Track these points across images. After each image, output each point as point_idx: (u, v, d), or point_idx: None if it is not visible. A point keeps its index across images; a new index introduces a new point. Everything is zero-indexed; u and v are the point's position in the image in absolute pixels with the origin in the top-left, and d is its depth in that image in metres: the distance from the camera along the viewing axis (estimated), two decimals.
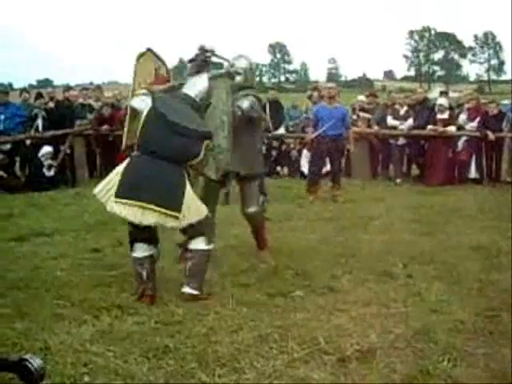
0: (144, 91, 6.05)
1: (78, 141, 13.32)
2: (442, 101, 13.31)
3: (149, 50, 6.81)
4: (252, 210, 7.04)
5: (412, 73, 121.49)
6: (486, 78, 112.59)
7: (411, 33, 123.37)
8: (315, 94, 14.84)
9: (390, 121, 13.65)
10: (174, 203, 5.40)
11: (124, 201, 5.37)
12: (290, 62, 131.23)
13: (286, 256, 7.03)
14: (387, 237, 7.73)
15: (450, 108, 13.25)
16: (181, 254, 6.60)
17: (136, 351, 4.54)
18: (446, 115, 12.85)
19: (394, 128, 13.58)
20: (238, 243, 7.66)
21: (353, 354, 4.47)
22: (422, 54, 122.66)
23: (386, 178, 13.40)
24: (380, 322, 5.07)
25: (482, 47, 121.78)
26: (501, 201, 10.84)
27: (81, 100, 14.36)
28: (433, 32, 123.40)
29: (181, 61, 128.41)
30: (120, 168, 5.57)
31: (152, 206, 5.33)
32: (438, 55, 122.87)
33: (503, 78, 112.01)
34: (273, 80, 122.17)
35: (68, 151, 13.15)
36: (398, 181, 13.21)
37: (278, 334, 4.80)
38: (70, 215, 9.47)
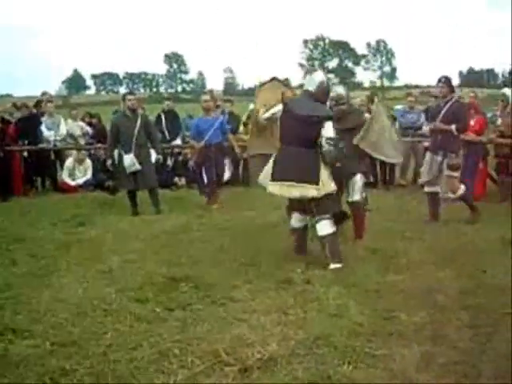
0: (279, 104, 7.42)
1: None
2: None
3: (274, 78, 8.43)
4: (356, 198, 8.23)
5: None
6: (379, 85, 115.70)
7: (306, 41, 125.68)
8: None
9: None
10: (312, 178, 6.88)
11: (276, 183, 7.05)
12: (186, 72, 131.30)
13: (186, 267, 6.95)
14: (287, 244, 7.77)
15: None
16: None
17: (32, 376, 4.40)
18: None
19: None
20: (136, 258, 7.53)
21: (254, 364, 4.46)
22: (317, 63, 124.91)
23: None
24: (280, 330, 5.08)
25: (374, 55, 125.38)
26: (396, 203, 11.12)
27: None
28: (327, 40, 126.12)
29: (75, 71, 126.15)
30: (271, 159, 7.19)
31: (294, 183, 6.90)
32: (333, 63, 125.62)
33: (396, 84, 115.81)
34: (170, 90, 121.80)
35: None
36: None
37: (178, 348, 4.75)
38: None
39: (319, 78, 7.31)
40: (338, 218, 7.23)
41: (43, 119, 13.97)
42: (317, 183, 6.88)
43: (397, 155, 8.72)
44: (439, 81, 9.52)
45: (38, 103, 15.09)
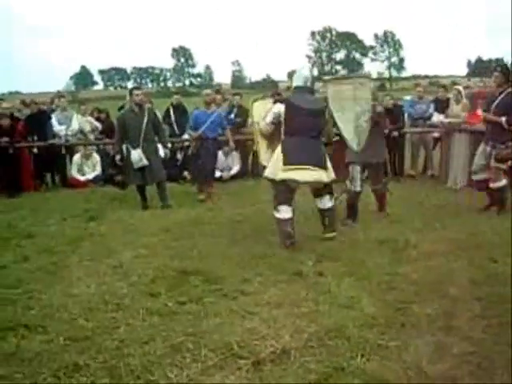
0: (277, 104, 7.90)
1: None
2: None
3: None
4: (377, 187, 9.27)
5: (315, 72, 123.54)
6: (387, 76, 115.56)
7: (313, 33, 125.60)
8: (219, 96, 14.85)
9: None
10: (322, 164, 7.59)
11: (290, 167, 7.45)
12: (193, 66, 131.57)
13: (197, 261, 6.97)
14: (296, 236, 7.75)
15: None
16: None
17: (45, 371, 4.41)
18: None
19: None
20: (147, 252, 7.53)
21: (267, 357, 4.48)
22: (324, 54, 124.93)
23: None
24: (293, 322, 5.09)
25: (382, 46, 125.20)
26: (405, 194, 11.07)
27: None
28: (334, 32, 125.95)
29: (82, 67, 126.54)
30: (278, 151, 7.60)
31: (310, 167, 7.48)
32: (340, 55, 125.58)
33: (404, 74, 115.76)
34: (177, 84, 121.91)
35: None
36: None
37: (190, 342, 4.76)
38: None
39: (305, 73, 8.07)
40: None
41: (55, 114, 13.96)
42: (326, 169, 7.63)
43: (355, 142, 8.60)
44: (495, 69, 9.43)
45: (53, 100, 15.16)
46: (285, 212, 7.61)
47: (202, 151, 11.58)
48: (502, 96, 9.06)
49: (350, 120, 8.40)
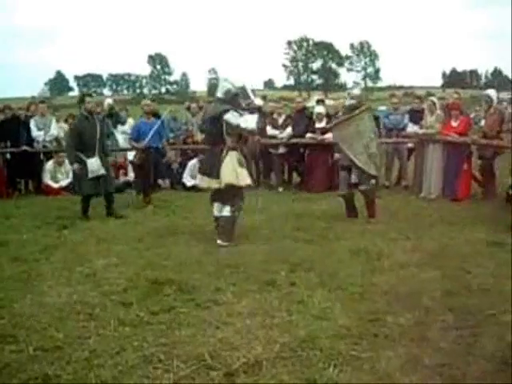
0: None
1: None
2: (319, 109, 13.48)
3: None
4: (363, 188, 9.60)
5: (291, 82, 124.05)
6: (363, 86, 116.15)
7: (289, 43, 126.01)
8: (193, 105, 14.82)
9: (270, 130, 13.59)
10: (214, 173, 8.14)
11: (200, 176, 8.66)
12: (170, 73, 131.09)
13: (170, 270, 6.91)
14: (270, 246, 7.75)
15: (328, 116, 13.42)
16: None
17: (15, 381, 4.35)
18: (323, 123, 13.02)
19: (274, 137, 13.59)
20: (119, 261, 7.47)
21: (240, 368, 4.45)
22: (300, 64, 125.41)
23: (268, 187, 13.44)
24: (265, 333, 5.06)
25: (358, 56, 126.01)
26: (379, 204, 11.10)
27: None
28: (311, 42, 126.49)
29: (58, 72, 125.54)
30: None
31: (205, 177, 8.33)
32: (317, 64, 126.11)
33: (379, 85, 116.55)
34: (154, 91, 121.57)
35: None
36: (280, 189, 13.32)
37: (162, 352, 4.72)
38: None
39: (226, 85, 8.43)
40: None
41: (34, 119, 13.81)
42: (218, 177, 8.12)
43: (372, 168, 9.58)
44: None
45: (29, 105, 15.03)
46: (214, 209, 8.48)
47: (145, 162, 11.80)
48: None
49: (361, 152, 9.35)
